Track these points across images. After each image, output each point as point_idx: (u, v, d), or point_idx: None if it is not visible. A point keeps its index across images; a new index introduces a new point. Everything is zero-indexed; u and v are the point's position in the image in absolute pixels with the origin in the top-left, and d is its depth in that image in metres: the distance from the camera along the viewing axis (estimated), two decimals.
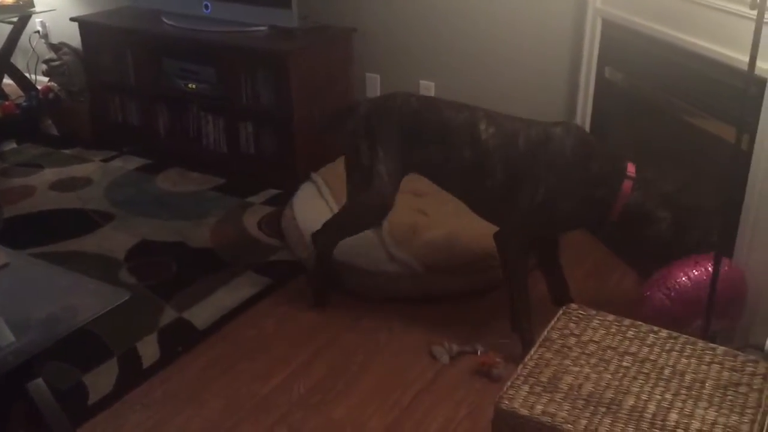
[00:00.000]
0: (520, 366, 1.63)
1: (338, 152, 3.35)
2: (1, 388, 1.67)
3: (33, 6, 4.19)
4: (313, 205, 2.98)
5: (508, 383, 1.58)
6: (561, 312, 1.79)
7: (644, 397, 1.53)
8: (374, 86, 3.60)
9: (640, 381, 1.57)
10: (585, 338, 1.70)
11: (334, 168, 3.17)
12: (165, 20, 3.62)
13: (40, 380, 1.69)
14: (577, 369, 1.61)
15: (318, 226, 2.82)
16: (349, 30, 3.50)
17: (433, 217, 2.82)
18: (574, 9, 2.96)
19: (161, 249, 2.95)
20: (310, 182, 3.14)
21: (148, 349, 2.35)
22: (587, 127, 2.97)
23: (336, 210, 2.89)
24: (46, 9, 4.24)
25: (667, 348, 1.66)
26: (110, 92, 3.83)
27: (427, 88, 3.45)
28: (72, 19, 3.77)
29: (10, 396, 1.69)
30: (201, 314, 2.53)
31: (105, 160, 3.75)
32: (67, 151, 3.84)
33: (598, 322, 1.75)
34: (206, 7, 3.52)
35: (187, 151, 3.67)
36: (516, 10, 3.11)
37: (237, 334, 2.46)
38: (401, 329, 2.47)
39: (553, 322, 1.76)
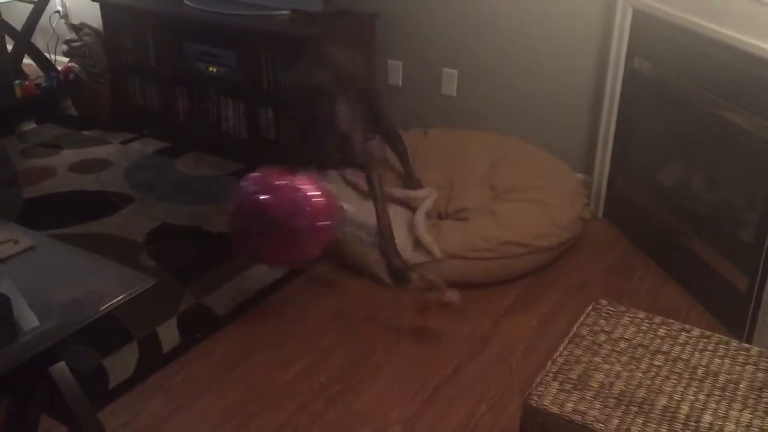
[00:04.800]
0: (549, 362, 1.60)
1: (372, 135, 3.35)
2: (24, 372, 1.65)
3: None
4: (339, 193, 2.94)
5: (537, 379, 1.55)
6: (590, 308, 1.76)
7: (677, 397, 1.50)
8: (396, 73, 3.56)
9: (673, 381, 1.54)
10: (615, 335, 1.67)
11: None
12: (187, 2, 3.58)
13: (62, 363, 1.68)
14: (607, 367, 1.58)
15: (349, 213, 2.79)
16: (372, 15, 3.45)
17: (458, 206, 2.79)
18: None
19: (181, 233, 2.94)
20: (335, 170, 3.11)
21: (168, 334, 2.34)
22: (613, 117, 2.92)
23: (363, 198, 2.88)
24: None
25: (699, 347, 1.63)
26: (130, 74, 3.81)
27: (450, 76, 3.40)
28: (93, 0, 3.74)
29: (33, 379, 1.68)
30: (221, 300, 2.52)
31: (124, 143, 3.74)
32: (86, 133, 3.83)
33: (628, 318, 1.72)
34: None
35: (206, 136, 3.65)
36: None
37: (256, 320, 2.44)
38: (423, 319, 2.44)
39: (582, 318, 1.73)
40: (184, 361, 2.25)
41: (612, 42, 2.85)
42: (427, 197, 2.79)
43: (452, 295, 2.36)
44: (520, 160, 3.01)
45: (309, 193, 2.24)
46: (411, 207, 2.78)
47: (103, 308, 1.59)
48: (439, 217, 2.82)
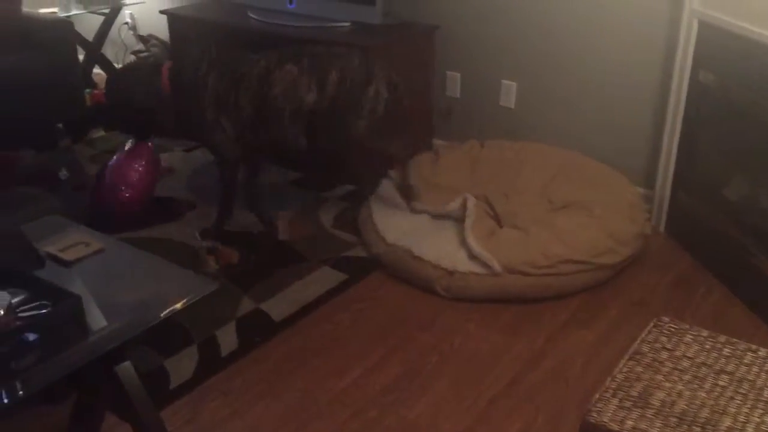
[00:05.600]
0: (609, 378, 1.58)
1: (417, 150, 3.37)
2: (92, 369, 1.71)
3: None
4: (391, 203, 2.97)
5: (596, 395, 1.53)
6: (652, 324, 1.73)
7: (741, 419, 1.45)
8: (455, 84, 3.56)
9: (738, 402, 1.50)
10: (678, 353, 1.63)
11: (415, 165, 3.16)
12: (250, 14, 3.67)
13: (128, 363, 1.73)
14: (669, 385, 1.54)
15: (396, 225, 2.82)
16: (432, 27, 3.47)
17: (514, 218, 2.77)
18: (669, 9, 2.85)
19: (241, 238, 3.00)
20: (388, 179, 3.14)
21: (227, 338, 2.39)
22: (677, 130, 2.87)
23: (415, 207, 2.89)
24: (135, 1, 4.37)
25: (766, 368, 1.58)
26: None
27: (509, 88, 3.39)
28: (161, 12, 3.87)
29: (100, 377, 1.73)
30: (278, 306, 2.56)
31: (187, 150, 3.84)
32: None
33: (691, 337, 1.68)
34: (291, 2, 3.55)
35: (267, 145, 3.70)
36: (606, 11, 3.02)
37: (312, 328, 2.47)
38: (477, 332, 2.44)
39: (643, 335, 1.70)
40: (242, 366, 2.29)
41: (677, 55, 2.80)
42: (460, 206, 2.76)
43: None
44: (579, 174, 2.98)
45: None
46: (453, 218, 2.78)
47: (167, 311, 1.64)
48: (498, 221, 2.80)
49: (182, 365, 2.26)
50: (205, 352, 2.33)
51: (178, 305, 1.64)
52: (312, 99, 2.71)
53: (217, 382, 2.22)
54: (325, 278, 2.73)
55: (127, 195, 3.00)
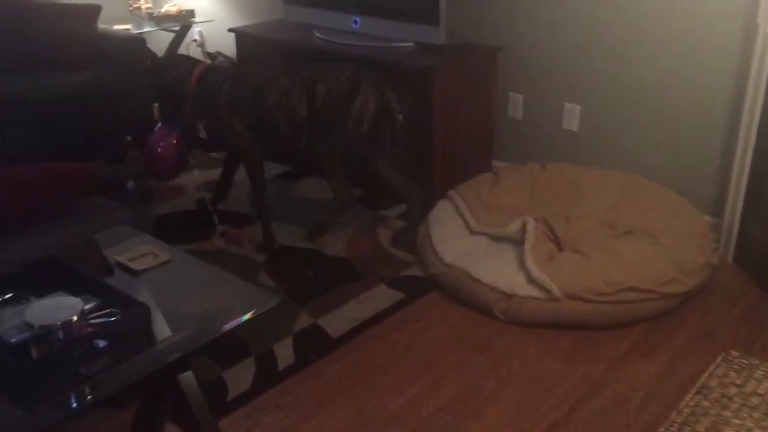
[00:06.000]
0: (674, 412, 1.53)
1: (476, 170, 3.36)
2: (155, 378, 1.75)
3: (194, 16, 4.46)
4: (449, 224, 2.96)
5: (661, 429, 1.49)
6: (720, 358, 1.68)
7: None
8: (516, 106, 3.55)
9: None
10: (747, 389, 1.58)
11: (473, 186, 3.15)
12: (315, 33, 3.73)
13: (190, 373, 1.77)
14: (738, 422, 1.49)
15: (454, 245, 2.81)
16: (495, 49, 3.47)
17: (575, 243, 2.73)
18: (742, 31, 2.78)
19: (298, 255, 3.03)
20: (447, 200, 3.13)
21: (284, 352, 2.41)
22: (748, 156, 2.79)
23: (474, 228, 2.87)
24: (205, 19, 4.50)
25: None
26: None
27: (572, 111, 3.36)
28: (230, 30, 3.97)
29: (162, 385, 1.77)
30: (335, 323, 2.57)
31: None
32: (214, 154, 4.04)
33: (762, 372, 1.62)
34: (355, 22, 3.60)
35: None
36: (675, 33, 2.97)
37: (368, 346, 2.47)
38: (535, 357, 2.40)
39: (711, 369, 1.65)
40: (298, 380, 2.30)
41: (749, 79, 2.73)
42: (519, 229, 2.73)
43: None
44: (643, 199, 2.92)
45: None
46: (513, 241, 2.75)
47: (230, 324, 1.67)
48: (558, 245, 2.76)
49: (240, 377, 2.29)
50: (262, 365, 2.35)
51: (241, 319, 1.67)
52: (303, 110, 2.93)
53: (273, 396, 2.24)
54: (382, 297, 2.73)
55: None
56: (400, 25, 3.44)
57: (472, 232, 2.88)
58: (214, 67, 3.17)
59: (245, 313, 1.68)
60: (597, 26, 3.18)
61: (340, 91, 2.90)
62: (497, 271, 2.62)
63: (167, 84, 3.15)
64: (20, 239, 1.97)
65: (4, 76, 3.48)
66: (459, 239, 2.86)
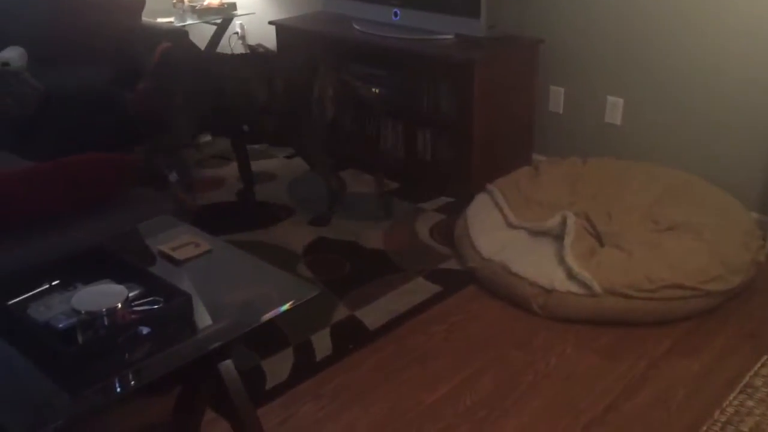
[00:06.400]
0: (717, 411, 1.50)
1: (515, 164, 3.33)
2: (196, 366, 1.78)
3: (235, 9, 4.49)
4: (488, 217, 2.94)
5: (704, 428, 1.46)
6: (765, 358, 1.64)
7: None
8: (558, 99, 3.50)
9: None
10: None
11: (511, 180, 3.13)
12: (355, 26, 3.74)
13: (230, 361, 1.79)
14: None
15: (492, 239, 2.79)
16: (536, 41, 3.43)
17: (616, 238, 2.69)
18: None
19: (336, 247, 3.05)
20: (486, 193, 3.11)
21: (322, 343, 2.43)
22: None
23: (513, 222, 2.85)
24: (246, 12, 4.53)
25: None
26: None
27: (615, 104, 3.30)
28: (270, 23, 4.00)
29: (203, 373, 1.80)
30: (372, 315, 2.58)
31: (288, 157, 3.94)
32: (255, 146, 4.07)
33: None
34: (395, 14, 3.59)
35: (364, 154, 3.77)
36: (723, 25, 2.89)
37: (405, 338, 2.48)
38: (574, 353, 2.37)
39: (756, 368, 1.61)
40: (335, 371, 2.32)
41: None
42: (559, 224, 2.70)
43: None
44: (688, 195, 2.86)
45: None
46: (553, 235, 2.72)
47: (269, 314, 1.68)
48: (599, 240, 2.72)
49: (278, 367, 2.31)
50: (300, 355, 2.37)
51: (281, 309, 1.68)
52: (263, 98, 3.02)
53: (311, 386, 2.25)
54: (419, 289, 2.73)
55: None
56: (441, 17, 3.42)
57: (511, 226, 2.86)
58: (175, 48, 3.26)
59: (284, 304, 1.69)
60: (641, 17, 3.12)
61: (297, 80, 3.00)
62: (536, 265, 2.60)
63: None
64: (66, 228, 2.01)
65: (54, 68, 3.56)
66: (497, 233, 2.84)
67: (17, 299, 1.63)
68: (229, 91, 3.04)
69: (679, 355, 2.34)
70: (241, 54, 3.27)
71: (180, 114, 3.12)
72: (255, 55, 3.24)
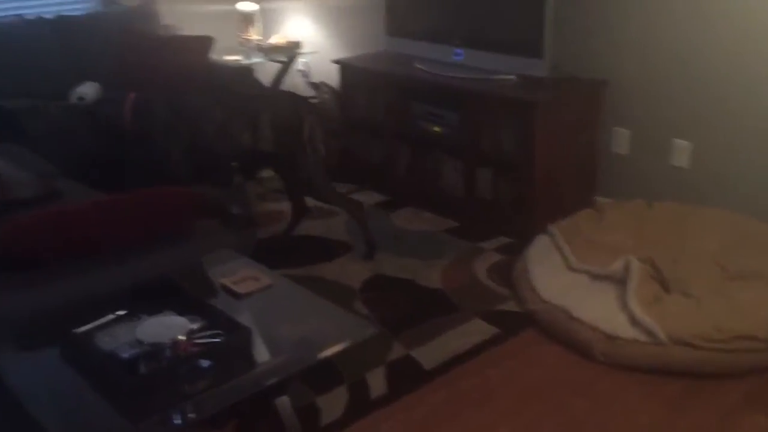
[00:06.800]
0: None
1: (578, 206, 3.27)
2: (253, 400, 1.78)
3: (300, 48, 4.61)
4: (548, 259, 2.90)
5: None
6: None
7: None
8: (623, 141, 3.44)
9: None
10: None
11: (574, 223, 3.08)
12: (417, 65, 3.77)
13: (286, 397, 1.79)
14: None
15: (553, 282, 2.74)
16: (600, 82, 3.39)
17: (683, 285, 2.60)
18: None
19: (393, 284, 3.04)
20: (546, 235, 3.06)
21: (377, 381, 2.41)
22: None
23: (574, 265, 2.79)
24: (310, 51, 4.64)
25: None
26: (360, 129, 4.07)
27: (682, 147, 3.23)
28: (333, 61, 4.08)
29: (259, 408, 1.80)
30: (428, 354, 2.55)
31: (348, 193, 3.97)
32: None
33: None
34: (457, 54, 3.61)
35: (423, 192, 3.78)
36: None
37: (462, 380, 2.43)
38: (638, 403, 2.29)
39: None
40: (390, 411, 2.29)
41: None
42: (623, 268, 2.63)
43: None
44: (760, 242, 2.75)
45: None
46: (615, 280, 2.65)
47: (327, 353, 1.68)
48: (664, 286, 2.63)
49: (333, 404, 2.30)
50: (354, 393, 2.35)
51: (338, 348, 1.68)
52: (247, 140, 2.98)
53: (365, 425, 2.23)
54: (476, 330, 2.69)
55: None
56: (503, 57, 3.42)
57: (572, 269, 2.80)
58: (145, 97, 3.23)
59: (342, 342, 1.69)
60: (710, 58, 3.05)
61: (284, 123, 2.99)
62: (598, 310, 2.53)
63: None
64: (135, 258, 2.07)
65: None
66: (558, 276, 2.78)
67: (85, 327, 1.67)
68: (208, 135, 3.03)
69: (752, 411, 2.23)
70: (220, 95, 3.23)
71: (173, 154, 3.11)
72: (237, 96, 3.23)
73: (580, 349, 2.52)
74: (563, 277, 2.76)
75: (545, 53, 3.24)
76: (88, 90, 3.71)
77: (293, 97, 3.14)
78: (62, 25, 3.93)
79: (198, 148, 3.08)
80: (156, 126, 3.10)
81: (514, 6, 3.35)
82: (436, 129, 3.64)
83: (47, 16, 3.96)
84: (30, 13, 3.99)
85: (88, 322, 1.69)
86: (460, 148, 3.55)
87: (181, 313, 1.70)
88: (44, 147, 3.23)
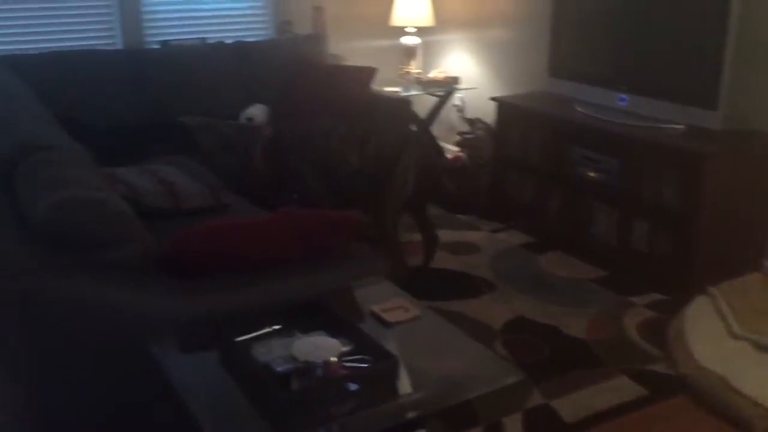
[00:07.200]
0: None
1: (743, 269, 3.04)
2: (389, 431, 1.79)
3: (458, 83, 4.65)
4: (707, 322, 2.71)
5: None
6: None
7: None
8: None
9: None
10: None
11: (739, 285, 2.87)
12: (578, 108, 3.70)
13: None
14: None
15: (711, 347, 2.56)
16: None
17: None
18: None
19: (536, 329, 2.96)
20: (707, 296, 2.87)
21: (513, 428, 2.34)
22: None
23: (737, 332, 2.60)
24: (468, 86, 4.67)
25: None
26: (511, 168, 4.03)
27: None
28: (491, 99, 4.08)
29: None
30: (568, 407, 2.45)
31: (493, 231, 3.94)
32: (461, 217, 4.14)
33: None
34: (622, 99, 3.50)
35: (572, 237, 3.67)
36: None
37: None
38: None
39: None
40: None
41: None
42: None
43: None
44: None
45: None
46: None
47: (472, 393, 1.65)
48: None
49: None
50: None
51: (482, 390, 1.65)
52: (354, 161, 3.06)
53: None
54: (622, 389, 2.56)
55: None
56: (672, 106, 3.28)
57: (734, 336, 2.60)
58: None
59: (486, 385, 1.66)
60: None
61: (386, 148, 3.01)
62: (763, 384, 2.33)
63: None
64: (289, 277, 2.15)
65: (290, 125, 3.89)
66: (717, 341, 2.60)
67: (244, 337, 1.75)
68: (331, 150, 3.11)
69: None
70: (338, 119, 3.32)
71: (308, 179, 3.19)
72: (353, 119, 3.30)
73: (738, 424, 2.33)
74: (724, 344, 2.57)
75: (720, 105, 3.06)
76: (256, 112, 3.94)
77: (403, 127, 3.17)
78: (240, 50, 4.21)
79: (329, 173, 3.18)
80: (287, 165, 3.24)
81: (689, 52, 3.20)
82: (592, 174, 3.53)
83: (227, 41, 4.27)
84: (212, 38, 4.31)
85: (247, 333, 1.77)
86: (617, 196, 3.42)
87: (332, 335, 1.74)
88: (213, 162, 3.47)
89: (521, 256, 3.64)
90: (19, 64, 3.52)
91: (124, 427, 1.88)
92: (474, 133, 4.29)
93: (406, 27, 4.70)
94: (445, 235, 3.86)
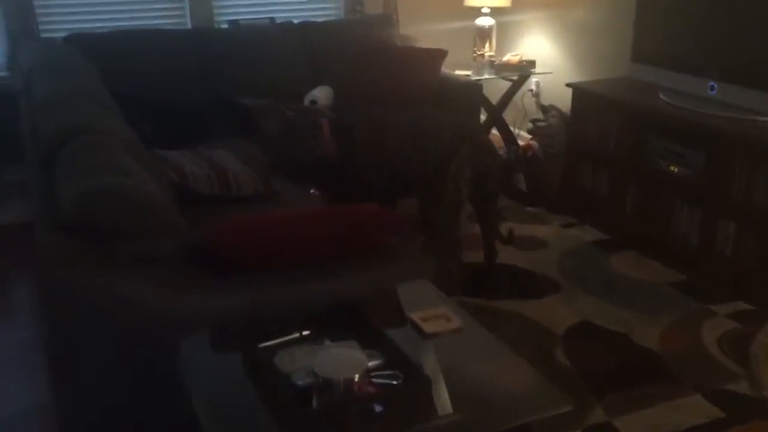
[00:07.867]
0: None
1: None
2: None
3: (533, 67, 4.40)
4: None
5: None
6: None
7: None
8: None
9: None
10: None
11: None
12: (662, 96, 3.40)
13: None
14: None
15: None
16: None
17: None
18: None
19: (603, 336, 2.74)
20: None
21: None
22: None
23: None
24: (544, 71, 4.41)
25: None
26: (585, 159, 3.77)
27: None
28: (567, 85, 3.82)
29: None
30: (633, 427, 2.24)
31: (564, 226, 3.70)
32: (530, 209, 3.91)
33: None
34: (712, 88, 3.19)
35: (649, 236, 3.39)
36: None
37: None
38: None
39: None
40: None
41: None
42: None
43: None
44: None
45: None
46: None
47: (514, 421, 1.48)
48: None
49: None
50: None
51: (525, 419, 1.48)
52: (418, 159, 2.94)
53: None
54: (695, 409, 2.32)
55: None
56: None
57: None
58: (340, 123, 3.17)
59: (530, 414, 1.49)
60: None
61: (439, 152, 2.88)
62: None
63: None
64: (330, 276, 2.02)
65: (354, 110, 3.75)
66: None
67: (268, 343, 1.64)
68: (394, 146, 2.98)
69: None
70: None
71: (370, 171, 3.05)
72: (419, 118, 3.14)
73: None
74: None
75: None
76: (320, 94, 3.83)
77: (457, 130, 2.97)
78: (307, 30, 4.11)
79: (394, 167, 3.03)
80: (355, 152, 3.07)
81: None
82: (674, 169, 3.24)
83: (296, 21, 4.16)
84: (282, 17, 4.22)
85: (273, 338, 1.66)
86: (701, 194, 3.13)
87: (364, 344, 1.60)
88: (272, 144, 3.37)
89: (592, 255, 3.39)
90: (85, 43, 3.52)
91: (142, 424, 1.82)
92: (547, 121, 4.04)
93: (481, 7, 4.47)
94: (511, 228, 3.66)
